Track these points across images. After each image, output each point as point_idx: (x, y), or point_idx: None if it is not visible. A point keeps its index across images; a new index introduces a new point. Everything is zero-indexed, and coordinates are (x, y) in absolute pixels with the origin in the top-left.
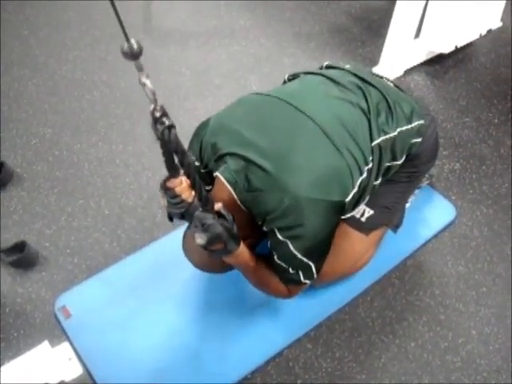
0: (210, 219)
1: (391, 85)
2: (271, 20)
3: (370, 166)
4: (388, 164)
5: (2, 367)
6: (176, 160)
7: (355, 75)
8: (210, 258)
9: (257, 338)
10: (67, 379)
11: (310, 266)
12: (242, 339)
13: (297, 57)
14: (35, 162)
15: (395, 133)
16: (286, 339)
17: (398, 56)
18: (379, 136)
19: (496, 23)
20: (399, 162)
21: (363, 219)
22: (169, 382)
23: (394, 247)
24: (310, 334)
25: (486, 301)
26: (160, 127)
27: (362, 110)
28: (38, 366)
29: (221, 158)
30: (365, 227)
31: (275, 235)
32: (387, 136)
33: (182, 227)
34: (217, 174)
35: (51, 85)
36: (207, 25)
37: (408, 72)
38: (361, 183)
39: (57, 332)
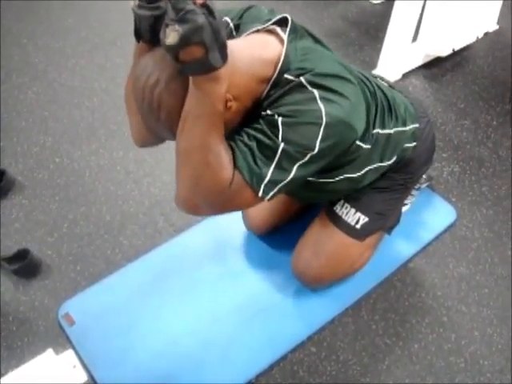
0: (190, 4)
1: (386, 85)
2: None
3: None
4: (375, 165)
5: (7, 376)
6: None
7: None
8: (177, 74)
9: (260, 342)
10: None
11: (303, 155)
12: (246, 344)
13: None
14: (36, 169)
15: (391, 131)
16: (290, 343)
17: (395, 59)
18: (378, 127)
19: (492, 26)
20: (387, 163)
21: (358, 226)
22: None
23: (396, 250)
24: (313, 337)
25: (487, 302)
26: None
27: (373, 96)
28: (42, 374)
29: (273, 19)
30: (360, 234)
31: (307, 90)
32: (384, 131)
33: (185, 232)
34: (276, 16)
35: (51, 93)
36: None
37: (406, 75)
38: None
39: (61, 340)
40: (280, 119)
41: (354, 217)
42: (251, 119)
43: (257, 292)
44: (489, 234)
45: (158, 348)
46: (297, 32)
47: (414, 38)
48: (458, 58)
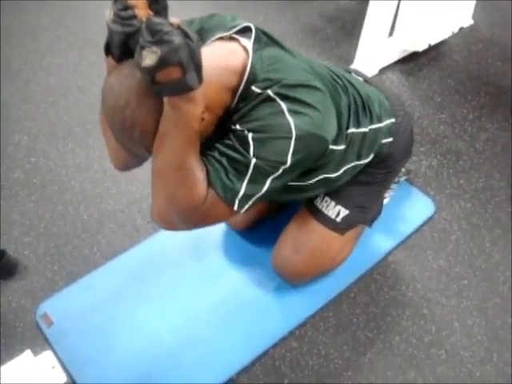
0: (166, 25)
1: (361, 79)
2: None
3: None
4: (353, 164)
5: None
6: None
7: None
8: (147, 94)
9: (241, 339)
10: None
11: (276, 169)
12: (227, 341)
13: None
14: (12, 169)
15: (366, 129)
16: (271, 338)
17: (372, 55)
18: (353, 126)
19: (467, 21)
20: (364, 161)
21: (338, 219)
22: None
23: (375, 244)
24: (295, 332)
25: (467, 293)
26: None
27: (346, 94)
28: (20, 376)
29: (237, 27)
30: (340, 227)
31: (275, 103)
32: (359, 130)
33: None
34: (240, 23)
35: (26, 91)
36: None
37: (383, 70)
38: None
39: (39, 340)
40: (250, 135)
41: (335, 210)
42: (223, 130)
43: (237, 288)
44: (467, 226)
45: (137, 347)
46: (261, 40)
47: (390, 33)
48: (434, 52)
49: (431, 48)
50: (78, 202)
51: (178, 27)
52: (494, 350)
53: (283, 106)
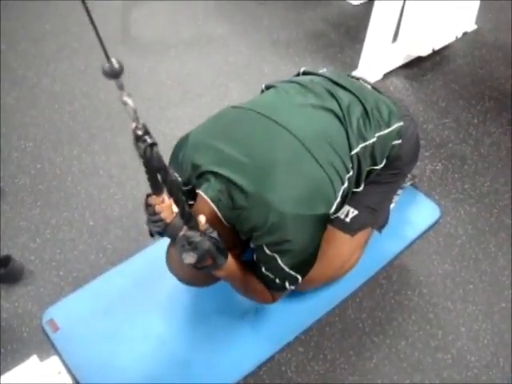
0: (197, 237)
1: (368, 87)
2: (249, 28)
3: (351, 174)
4: (368, 169)
5: None
6: (159, 177)
7: (329, 79)
8: (198, 273)
9: (248, 343)
10: None
11: (296, 277)
12: (233, 345)
13: (276, 63)
14: (17, 175)
15: (374, 139)
16: (277, 343)
17: (376, 60)
18: (358, 144)
19: (471, 26)
20: (380, 166)
21: (348, 220)
22: None
23: (381, 248)
24: (300, 337)
25: (473, 298)
26: (142, 145)
27: (338, 117)
28: (27, 381)
29: (202, 176)
30: (350, 228)
31: (263, 250)
32: (366, 143)
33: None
34: (199, 192)
35: (31, 98)
36: (186, 34)
37: (387, 75)
38: (343, 192)
39: (45, 346)
40: (263, 269)
41: (344, 210)
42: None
43: None
44: (472, 231)
45: (143, 352)
46: (219, 199)
47: (394, 39)
48: (438, 57)
49: (435, 53)
50: (83, 207)
51: (205, 232)
52: (500, 354)
53: (267, 251)
